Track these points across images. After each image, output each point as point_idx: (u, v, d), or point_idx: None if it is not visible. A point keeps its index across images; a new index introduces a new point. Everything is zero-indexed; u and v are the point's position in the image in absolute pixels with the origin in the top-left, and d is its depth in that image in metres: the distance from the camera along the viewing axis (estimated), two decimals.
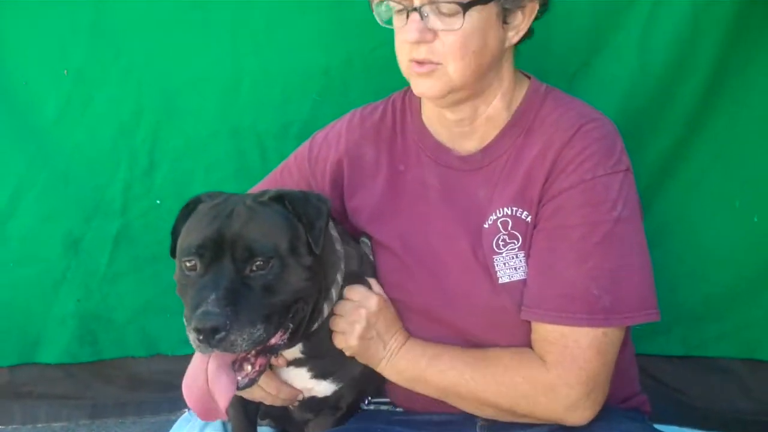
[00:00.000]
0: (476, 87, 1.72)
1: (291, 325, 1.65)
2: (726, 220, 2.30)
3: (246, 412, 2.01)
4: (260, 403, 1.91)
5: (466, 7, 1.60)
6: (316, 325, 1.75)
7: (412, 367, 1.76)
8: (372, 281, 1.83)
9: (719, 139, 2.27)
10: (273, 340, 1.63)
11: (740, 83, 2.21)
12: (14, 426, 2.81)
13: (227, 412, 1.62)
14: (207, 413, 1.56)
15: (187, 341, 1.87)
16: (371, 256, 1.89)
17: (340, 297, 1.78)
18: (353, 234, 1.94)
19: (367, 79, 2.34)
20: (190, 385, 1.59)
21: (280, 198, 1.66)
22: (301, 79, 2.43)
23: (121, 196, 2.60)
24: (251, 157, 2.49)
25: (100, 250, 2.64)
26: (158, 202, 2.59)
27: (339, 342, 1.77)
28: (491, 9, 1.64)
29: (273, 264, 1.57)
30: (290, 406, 1.92)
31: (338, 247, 1.80)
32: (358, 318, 1.75)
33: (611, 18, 2.25)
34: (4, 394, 2.81)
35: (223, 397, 1.55)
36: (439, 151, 1.84)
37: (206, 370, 1.57)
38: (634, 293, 1.63)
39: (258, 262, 1.56)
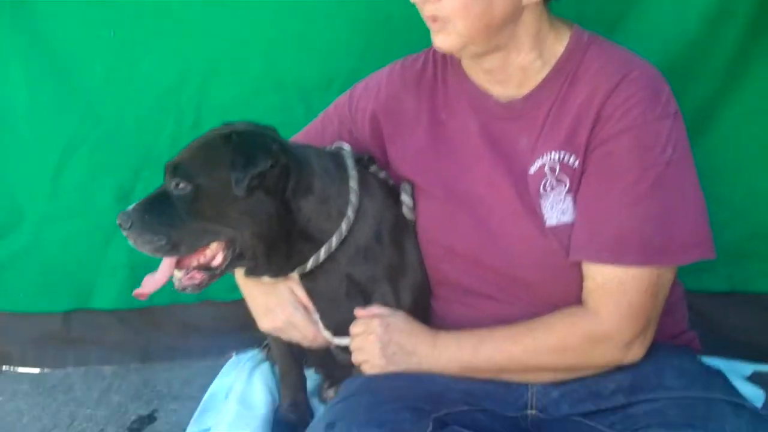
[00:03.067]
0: (492, 42, 1.69)
1: (230, 255, 1.76)
2: None
3: (291, 354, 2.13)
4: (304, 349, 2.01)
5: None
6: (310, 265, 1.83)
7: (456, 361, 1.76)
8: (368, 310, 1.85)
9: (765, 81, 2.26)
10: (215, 262, 1.78)
11: None
12: (67, 369, 2.87)
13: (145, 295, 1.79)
14: (142, 286, 1.79)
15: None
16: (410, 203, 1.90)
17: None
18: (396, 180, 1.96)
19: (408, 33, 2.23)
20: None
21: (229, 136, 1.75)
22: (344, 34, 2.45)
23: (168, 150, 2.51)
24: (296, 111, 2.50)
25: None
26: None
27: (367, 369, 1.81)
28: None
29: (188, 188, 1.71)
30: (332, 350, 1.99)
31: (353, 198, 1.83)
32: (371, 344, 1.79)
33: None
34: (57, 339, 2.86)
35: (151, 281, 1.78)
36: (480, 98, 1.82)
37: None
38: (687, 232, 1.64)
39: (178, 184, 1.71)
